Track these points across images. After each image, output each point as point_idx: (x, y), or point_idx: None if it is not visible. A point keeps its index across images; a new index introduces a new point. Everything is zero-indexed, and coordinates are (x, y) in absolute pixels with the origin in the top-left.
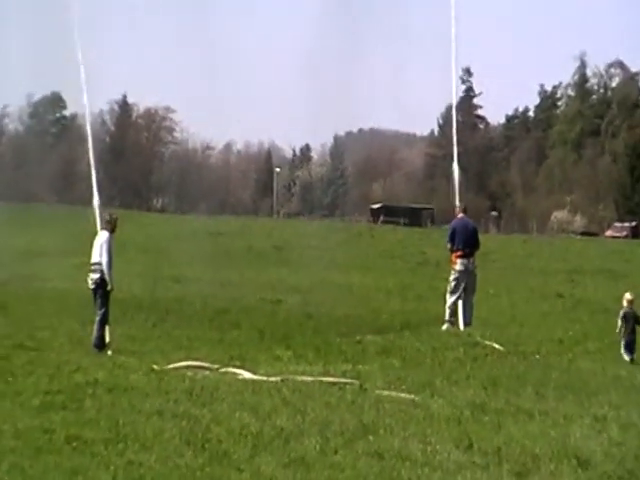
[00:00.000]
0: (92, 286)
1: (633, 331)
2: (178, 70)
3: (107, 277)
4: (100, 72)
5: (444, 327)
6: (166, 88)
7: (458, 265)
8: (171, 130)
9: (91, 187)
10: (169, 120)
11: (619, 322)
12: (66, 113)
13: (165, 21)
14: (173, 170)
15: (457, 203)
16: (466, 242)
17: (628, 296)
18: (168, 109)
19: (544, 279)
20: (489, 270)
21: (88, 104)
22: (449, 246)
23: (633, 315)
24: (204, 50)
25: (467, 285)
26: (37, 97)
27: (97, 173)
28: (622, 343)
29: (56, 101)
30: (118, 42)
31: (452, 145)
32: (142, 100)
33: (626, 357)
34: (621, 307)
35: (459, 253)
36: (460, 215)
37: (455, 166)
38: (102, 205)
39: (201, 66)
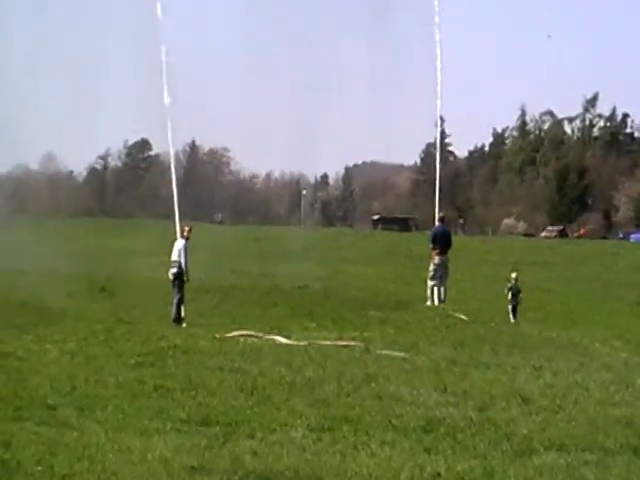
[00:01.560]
0: (171, 277)
1: (516, 300)
2: (233, 115)
3: (185, 272)
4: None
5: (427, 303)
6: (224, 132)
7: (436, 259)
8: (227, 164)
9: (172, 206)
10: (226, 157)
11: (508, 294)
12: (152, 153)
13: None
14: (229, 193)
15: (437, 213)
16: (443, 243)
17: (514, 275)
18: (225, 149)
19: (496, 268)
20: (457, 262)
21: (172, 147)
22: (431, 245)
23: (517, 289)
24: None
25: (442, 274)
26: (130, 142)
27: (176, 196)
28: (509, 308)
29: (145, 144)
30: (186, 95)
31: (431, 172)
32: (206, 142)
33: (512, 318)
34: (509, 282)
35: (437, 251)
36: (438, 222)
37: (437, 188)
38: (179, 219)
39: (249, 113)
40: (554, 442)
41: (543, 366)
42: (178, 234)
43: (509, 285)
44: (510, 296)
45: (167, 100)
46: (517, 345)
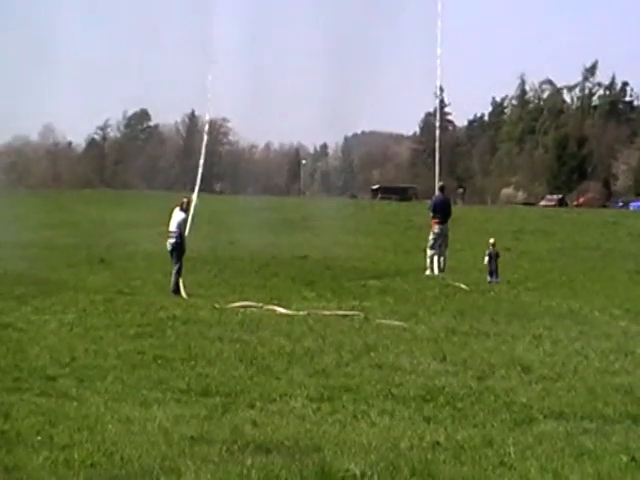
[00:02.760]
0: (169, 248)
1: (496, 264)
2: (231, 86)
3: (185, 242)
4: (176, 91)
5: (426, 273)
6: (222, 102)
7: (436, 228)
8: (226, 134)
9: (169, 177)
10: (225, 127)
11: (486, 258)
12: (151, 124)
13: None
14: (228, 163)
15: (437, 182)
16: (442, 212)
17: (491, 241)
18: (224, 119)
19: (496, 237)
20: (457, 232)
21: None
22: (431, 214)
23: (495, 253)
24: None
25: (441, 243)
26: (130, 112)
27: (174, 167)
28: (488, 271)
29: (144, 115)
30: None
31: (431, 141)
32: (205, 112)
33: (489, 279)
34: (487, 248)
35: (437, 220)
36: (438, 192)
37: (437, 157)
38: (179, 189)
39: (246, 83)
40: (553, 410)
41: (543, 335)
42: (194, 201)
43: (487, 252)
44: (487, 260)
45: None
46: (517, 314)
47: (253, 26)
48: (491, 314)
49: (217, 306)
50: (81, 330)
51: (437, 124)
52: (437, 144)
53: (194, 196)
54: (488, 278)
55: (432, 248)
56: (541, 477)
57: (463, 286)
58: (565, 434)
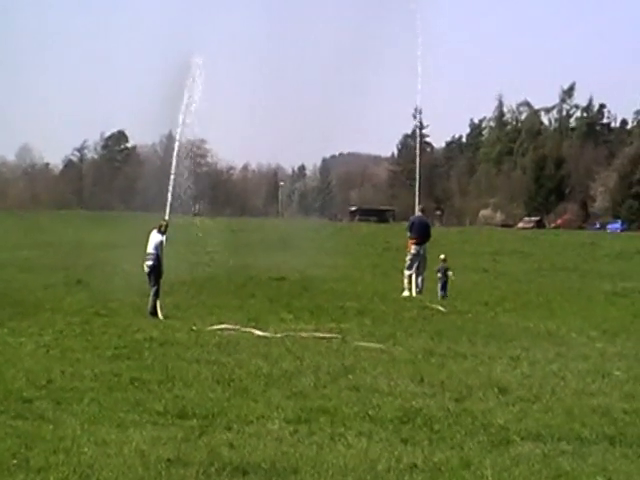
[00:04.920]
0: (147, 270)
1: (445, 278)
2: (209, 107)
3: (162, 264)
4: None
5: (404, 294)
6: (200, 123)
7: (412, 249)
8: (204, 156)
9: (147, 198)
10: (202, 149)
11: (438, 274)
12: (128, 145)
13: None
14: (206, 184)
15: (417, 204)
16: (420, 233)
17: (442, 257)
18: (202, 141)
19: (474, 259)
20: (435, 253)
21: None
22: (408, 234)
23: (445, 268)
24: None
25: (419, 264)
26: (107, 134)
27: (151, 188)
28: (439, 285)
29: (121, 136)
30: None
31: (409, 163)
32: (183, 134)
33: (440, 294)
34: (439, 264)
35: (414, 240)
36: (418, 213)
37: (417, 178)
38: (157, 210)
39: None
40: (531, 432)
41: (520, 356)
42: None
43: (438, 267)
44: (439, 275)
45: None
46: (494, 335)
47: (232, 47)
48: (468, 335)
49: (194, 328)
50: (58, 352)
51: (417, 146)
52: (417, 166)
53: (167, 217)
54: (439, 293)
55: (409, 269)
56: None
57: (441, 308)
58: (542, 456)
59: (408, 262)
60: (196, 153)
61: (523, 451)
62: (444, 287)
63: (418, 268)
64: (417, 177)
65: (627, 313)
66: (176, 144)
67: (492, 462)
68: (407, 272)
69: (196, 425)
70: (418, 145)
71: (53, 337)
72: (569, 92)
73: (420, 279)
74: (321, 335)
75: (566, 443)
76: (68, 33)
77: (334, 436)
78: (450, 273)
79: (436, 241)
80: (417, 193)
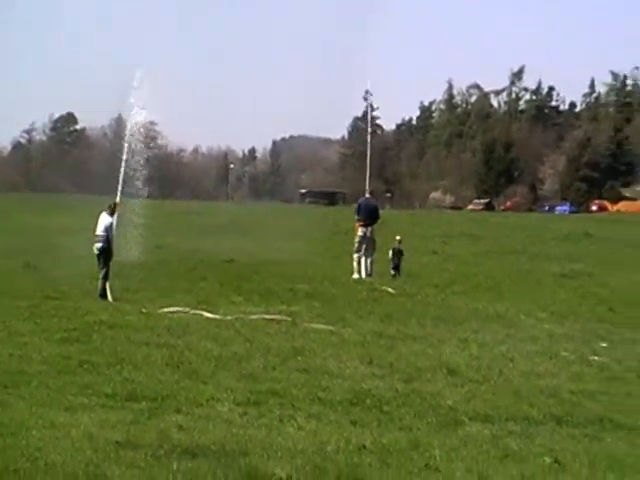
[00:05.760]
0: (96, 252)
1: (399, 259)
2: (160, 90)
3: (111, 247)
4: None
5: (354, 276)
6: (149, 105)
7: (359, 231)
8: (154, 138)
9: (97, 180)
10: (152, 131)
11: (390, 253)
12: (77, 127)
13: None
14: (156, 167)
15: (367, 187)
16: (366, 215)
17: (398, 238)
18: (152, 122)
19: (424, 241)
20: (385, 236)
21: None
22: (356, 217)
23: (399, 250)
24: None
25: (367, 246)
26: (56, 115)
27: (101, 170)
28: (391, 266)
29: (70, 118)
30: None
31: (359, 146)
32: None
33: (392, 273)
34: (394, 244)
35: (360, 223)
36: (367, 195)
37: (367, 161)
38: (107, 193)
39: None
40: (479, 413)
41: (469, 338)
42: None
43: (392, 248)
44: (391, 255)
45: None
46: (443, 317)
47: (183, 32)
48: (418, 317)
49: (144, 311)
50: (5, 335)
51: (368, 129)
52: (368, 149)
53: (118, 199)
54: (392, 272)
55: (357, 251)
56: (466, 479)
57: (390, 290)
58: (490, 436)
59: (356, 244)
60: (146, 135)
61: (471, 431)
62: (397, 267)
63: (367, 250)
64: (367, 160)
65: (575, 295)
66: (127, 126)
67: (440, 443)
68: (356, 255)
69: (145, 408)
70: (369, 127)
71: (0, 320)
72: (518, 75)
73: (369, 261)
74: (271, 317)
75: (514, 423)
76: (14, 13)
77: (283, 418)
78: (403, 257)
79: (386, 224)
80: (367, 176)
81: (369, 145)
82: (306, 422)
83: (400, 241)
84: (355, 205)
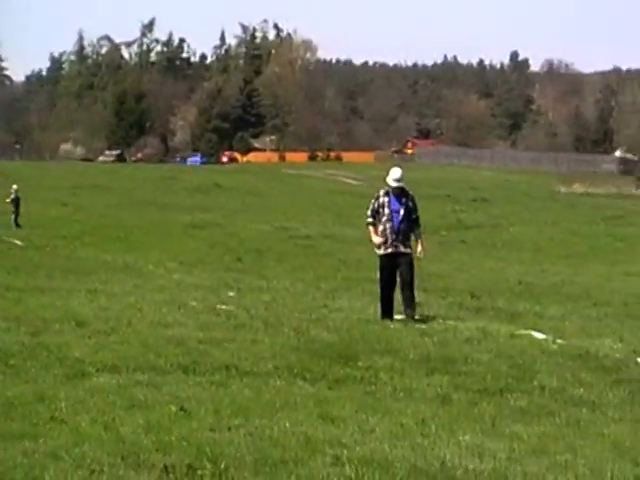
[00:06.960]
0: None
1: (17, 210)
2: None
3: None
4: None
5: None
6: None
7: None
8: None
9: None
10: None
11: (11, 205)
12: None
13: None
14: None
15: None
16: None
17: (15, 187)
18: None
19: (54, 193)
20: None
21: None
22: None
23: (17, 199)
24: None
25: None
26: None
27: None
28: (12, 218)
29: None
30: None
31: None
32: None
33: (14, 226)
34: (11, 194)
35: None
36: None
37: None
38: None
39: None
40: (106, 364)
41: (98, 289)
42: None
43: (11, 197)
44: (13, 207)
45: None
46: (72, 269)
47: None
48: (47, 270)
49: None
50: None
51: None
52: None
53: None
54: (13, 225)
55: None
56: (92, 429)
57: (18, 242)
58: (117, 386)
59: None
60: None
61: (98, 383)
62: (16, 218)
63: None
64: None
65: (204, 245)
66: None
67: (67, 394)
68: None
69: None
70: None
71: None
72: (149, 27)
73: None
74: None
75: (141, 373)
76: None
77: None
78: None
79: (14, 175)
80: None
81: None
82: None
83: (17, 190)
84: None
